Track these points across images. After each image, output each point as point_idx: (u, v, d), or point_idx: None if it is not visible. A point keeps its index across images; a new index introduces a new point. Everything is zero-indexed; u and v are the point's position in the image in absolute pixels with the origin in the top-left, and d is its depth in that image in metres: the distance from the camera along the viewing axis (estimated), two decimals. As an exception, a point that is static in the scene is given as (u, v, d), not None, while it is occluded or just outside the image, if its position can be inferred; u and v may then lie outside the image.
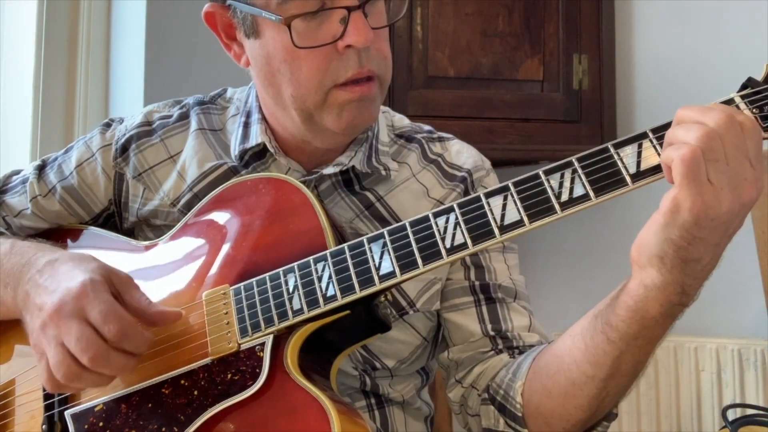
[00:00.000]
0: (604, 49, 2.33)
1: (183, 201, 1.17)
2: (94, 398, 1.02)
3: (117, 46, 2.31)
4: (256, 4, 1.04)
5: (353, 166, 1.14)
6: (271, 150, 1.15)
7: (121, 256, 1.14)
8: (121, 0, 2.31)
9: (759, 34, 2.18)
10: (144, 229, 1.22)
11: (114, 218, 1.25)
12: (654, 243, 0.84)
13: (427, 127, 1.28)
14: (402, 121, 1.28)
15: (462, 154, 1.23)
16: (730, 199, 0.79)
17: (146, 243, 1.15)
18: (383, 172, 1.16)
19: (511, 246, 1.21)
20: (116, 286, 0.97)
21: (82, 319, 0.91)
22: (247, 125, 1.18)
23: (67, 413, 1.02)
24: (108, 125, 1.26)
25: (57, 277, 0.98)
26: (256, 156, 1.17)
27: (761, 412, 1.41)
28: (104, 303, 0.92)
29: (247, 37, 1.09)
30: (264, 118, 1.17)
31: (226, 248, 1.04)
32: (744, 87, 0.86)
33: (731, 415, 1.40)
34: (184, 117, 1.24)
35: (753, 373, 2.07)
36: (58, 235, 1.24)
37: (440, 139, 1.26)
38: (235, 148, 1.17)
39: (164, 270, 1.08)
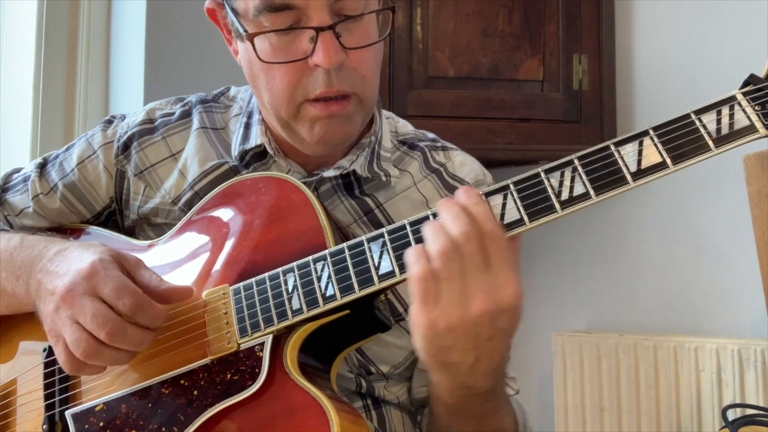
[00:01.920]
0: (604, 49, 2.33)
1: (184, 199, 1.17)
2: (94, 398, 1.02)
3: (117, 46, 2.31)
4: (237, 11, 1.05)
5: (354, 170, 1.14)
6: (271, 152, 1.15)
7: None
8: (121, 0, 2.31)
9: (759, 34, 2.17)
10: (144, 227, 1.22)
11: (116, 216, 1.25)
12: (418, 348, 0.88)
13: (431, 135, 1.28)
14: (406, 127, 1.28)
15: (465, 166, 1.23)
16: (458, 313, 0.82)
17: (147, 242, 1.15)
18: (384, 178, 1.15)
19: None
20: (125, 267, 0.98)
21: (95, 297, 0.92)
22: (248, 126, 1.18)
23: (68, 413, 1.03)
24: (110, 122, 1.26)
25: (67, 262, 0.99)
26: (257, 157, 1.17)
27: (761, 412, 1.41)
28: (115, 279, 0.93)
29: (236, 39, 1.10)
30: (264, 119, 1.17)
31: (226, 248, 1.04)
32: (746, 84, 0.86)
33: (731, 415, 1.40)
34: (186, 115, 1.24)
35: (753, 373, 2.07)
36: (60, 234, 1.24)
37: (444, 148, 1.25)
38: (235, 149, 1.17)
39: (165, 269, 1.08)
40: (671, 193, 2.33)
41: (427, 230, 0.86)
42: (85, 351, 0.92)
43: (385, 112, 1.24)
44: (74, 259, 0.98)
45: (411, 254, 0.86)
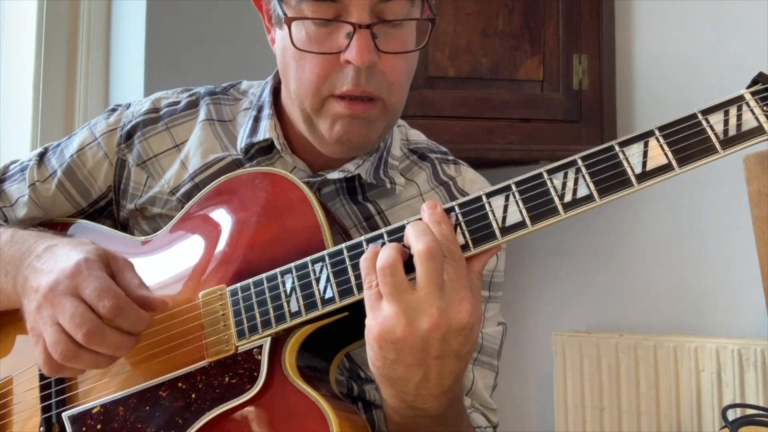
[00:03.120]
0: (604, 49, 2.32)
1: (183, 190, 1.17)
2: (91, 400, 1.02)
3: (117, 46, 2.31)
4: None
5: (359, 175, 1.13)
6: (278, 147, 1.14)
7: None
8: (121, 0, 2.31)
9: (759, 34, 2.17)
10: (139, 220, 1.21)
11: (112, 206, 1.25)
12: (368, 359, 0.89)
13: (442, 148, 1.28)
14: (418, 136, 1.28)
15: (475, 184, 1.22)
16: (402, 327, 0.83)
17: (142, 239, 1.14)
18: (388, 186, 1.15)
19: (495, 295, 1.21)
20: (112, 268, 0.96)
21: (76, 296, 0.91)
22: (257, 119, 1.18)
23: (65, 415, 1.02)
24: (113, 110, 1.26)
25: (53, 259, 0.98)
26: (263, 151, 1.17)
27: (761, 412, 1.41)
28: (98, 280, 0.91)
29: (276, 26, 1.10)
30: (275, 114, 1.17)
31: (222, 246, 1.03)
32: (754, 82, 0.83)
33: (731, 415, 1.40)
34: (192, 105, 1.23)
35: (753, 373, 2.07)
36: (51, 230, 1.22)
37: (455, 163, 1.25)
38: (242, 141, 1.17)
39: (160, 268, 1.07)
40: (671, 192, 2.33)
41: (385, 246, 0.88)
42: (63, 353, 0.91)
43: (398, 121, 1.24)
44: (61, 257, 0.97)
45: (361, 264, 0.88)
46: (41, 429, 1.04)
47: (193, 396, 0.96)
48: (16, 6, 2.26)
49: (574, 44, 2.29)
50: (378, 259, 0.85)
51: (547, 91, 2.27)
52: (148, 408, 0.98)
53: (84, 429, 1.00)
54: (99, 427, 0.99)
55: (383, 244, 0.91)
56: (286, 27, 1.03)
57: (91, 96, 2.28)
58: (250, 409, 0.93)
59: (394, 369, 0.86)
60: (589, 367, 2.32)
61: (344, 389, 1.13)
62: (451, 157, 1.26)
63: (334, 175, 1.13)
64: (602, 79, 2.30)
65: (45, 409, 1.05)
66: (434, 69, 2.22)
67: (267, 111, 1.17)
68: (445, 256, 0.85)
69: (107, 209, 1.25)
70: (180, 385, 0.97)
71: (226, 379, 0.95)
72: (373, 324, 0.85)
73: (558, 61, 2.28)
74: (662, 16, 2.41)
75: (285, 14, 1.03)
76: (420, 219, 0.89)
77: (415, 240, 0.85)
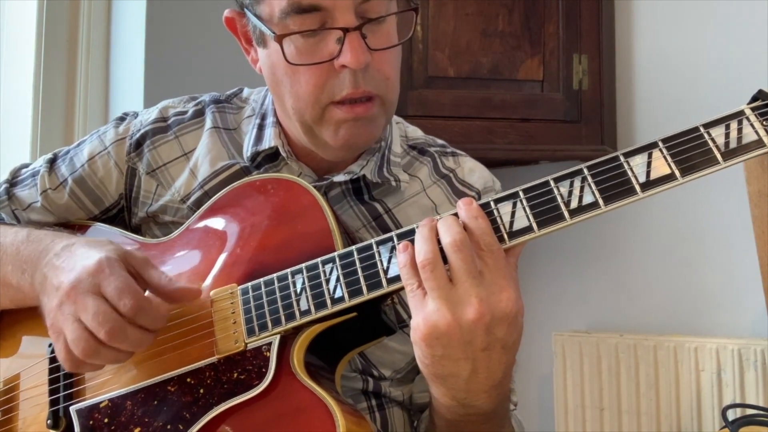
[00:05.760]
0: (604, 49, 2.33)
1: (193, 198, 1.18)
2: (99, 394, 1.02)
3: (117, 46, 2.31)
4: (261, 16, 1.05)
5: (364, 176, 1.15)
6: (284, 154, 1.16)
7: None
8: (121, 0, 2.31)
9: (759, 34, 2.18)
10: (151, 225, 1.22)
11: (123, 213, 1.25)
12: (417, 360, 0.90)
13: (440, 141, 1.29)
14: (416, 132, 1.29)
15: (474, 172, 1.24)
16: (446, 321, 0.84)
17: (154, 241, 1.16)
18: (393, 183, 1.16)
19: None
20: (133, 266, 0.98)
21: (98, 295, 0.92)
22: (261, 127, 1.19)
23: (72, 408, 1.03)
24: (122, 119, 1.27)
25: (74, 258, 0.99)
26: (269, 158, 1.18)
27: (761, 412, 1.42)
28: (119, 278, 0.93)
29: (258, 46, 1.11)
30: (278, 122, 1.18)
31: (234, 248, 1.04)
32: (754, 99, 0.86)
33: (731, 415, 1.40)
34: (199, 114, 1.24)
35: (753, 373, 2.08)
36: (66, 229, 1.23)
37: (453, 154, 1.26)
38: (247, 150, 1.18)
39: (171, 268, 1.08)
40: (671, 193, 2.31)
41: (417, 238, 0.88)
42: (84, 350, 0.92)
43: (394, 117, 1.25)
44: (81, 256, 0.98)
45: (400, 262, 0.88)
46: (48, 422, 1.04)
47: (201, 391, 0.96)
48: (16, 6, 2.26)
49: (574, 44, 2.29)
50: (416, 254, 0.87)
51: (547, 91, 2.28)
52: (156, 402, 0.98)
53: (91, 423, 1.01)
54: (106, 420, 1.00)
55: (393, 247, 0.92)
56: (275, 45, 1.04)
57: (91, 96, 2.28)
58: (257, 404, 0.93)
59: (443, 365, 0.87)
60: (589, 367, 2.33)
61: (359, 384, 1.14)
62: (449, 149, 1.27)
63: (340, 177, 1.14)
64: (602, 79, 2.31)
65: (53, 403, 1.06)
66: (434, 69, 2.23)
67: (270, 119, 1.19)
68: (482, 249, 0.86)
69: (119, 216, 1.26)
70: (189, 380, 0.98)
71: (235, 374, 0.95)
72: (418, 322, 0.86)
73: (558, 61, 2.28)
74: (662, 16, 2.42)
75: (273, 33, 1.03)
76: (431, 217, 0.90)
77: (444, 233, 0.86)
